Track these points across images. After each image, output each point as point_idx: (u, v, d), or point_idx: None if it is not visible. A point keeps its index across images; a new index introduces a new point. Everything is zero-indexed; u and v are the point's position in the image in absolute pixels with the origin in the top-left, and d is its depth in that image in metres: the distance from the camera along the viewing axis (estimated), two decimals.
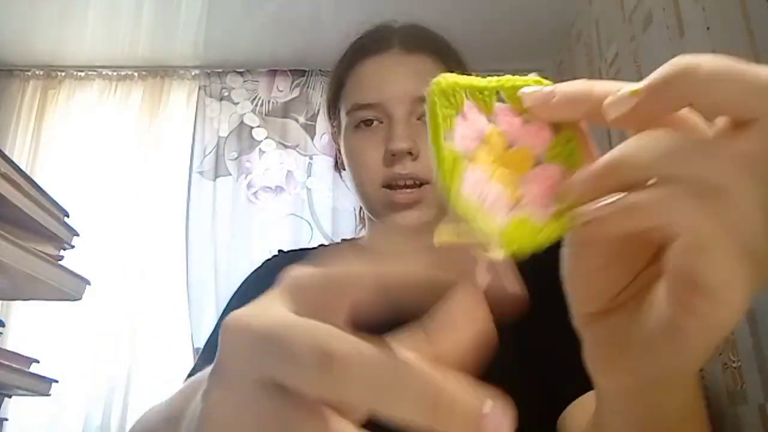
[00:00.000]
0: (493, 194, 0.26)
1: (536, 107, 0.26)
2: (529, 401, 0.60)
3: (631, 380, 0.28)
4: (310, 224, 2.25)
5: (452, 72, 0.28)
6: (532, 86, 0.26)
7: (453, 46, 0.78)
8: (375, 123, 0.71)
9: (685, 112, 0.24)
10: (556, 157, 0.26)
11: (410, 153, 0.69)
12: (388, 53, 0.72)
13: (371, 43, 0.75)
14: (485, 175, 0.26)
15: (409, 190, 0.70)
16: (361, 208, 0.86)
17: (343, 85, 0.75)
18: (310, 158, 2.35)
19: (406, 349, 0.19)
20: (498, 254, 0.25)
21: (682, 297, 0.23)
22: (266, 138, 2.38)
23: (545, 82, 0.27)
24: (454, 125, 0.26)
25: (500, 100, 0.27)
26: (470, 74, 0.28)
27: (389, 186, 0.71)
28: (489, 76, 0.27)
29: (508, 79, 0.27)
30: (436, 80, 0.26)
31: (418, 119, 0.70)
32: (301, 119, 2.40)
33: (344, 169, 0.79)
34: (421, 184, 0.70)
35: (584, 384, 0.56)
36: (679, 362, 0.25)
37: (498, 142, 0.26)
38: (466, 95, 0.26)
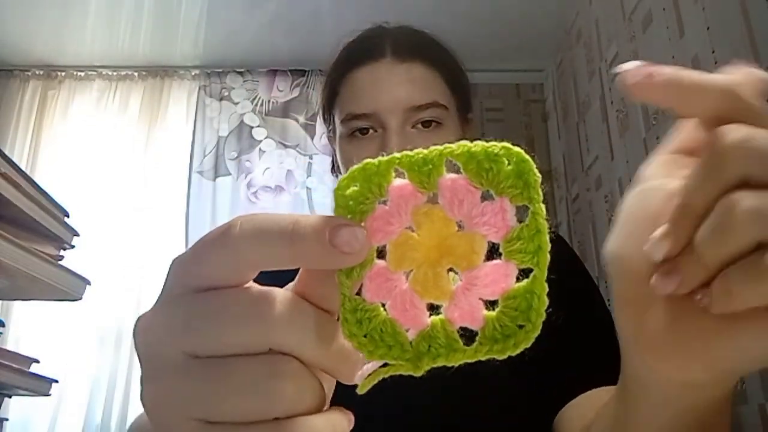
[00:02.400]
0: (398, 296, 0.22)
1: (637, 86, 0.23)
2: (523, 409, 0.60)
3: (702, 371, 0.24)
4: None
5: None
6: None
7: (448, 49, 0.77)
8: (370, 132, 0.70)
9: None
10: (517, 253, 0.21)
11: None
12: (381, 62, 0.72)
13: (364, 51, 0.74)
14: (395, 272, 0.22)
15: None
16: None
17: (337, 93, 0.75)
18: (310, 158, 2.35)
19: None
20: (357, 378, 0.22)
21: None
22: (266, 138, 2.38)
23: (514, 148, 0.22)
24: (374, 210, 0.22)
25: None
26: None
27: None
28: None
29: (461, 146, 0.22)
30: (342, 178, 0.22)
31: (413, 128, 0.69)
32: (301, 119, 2.40)
33: (341, 173, 0.79)
34: None
35: (577, 385, 0.57)
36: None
37: (440, 223, 0.22)
38: (398, 172, 0.22)
